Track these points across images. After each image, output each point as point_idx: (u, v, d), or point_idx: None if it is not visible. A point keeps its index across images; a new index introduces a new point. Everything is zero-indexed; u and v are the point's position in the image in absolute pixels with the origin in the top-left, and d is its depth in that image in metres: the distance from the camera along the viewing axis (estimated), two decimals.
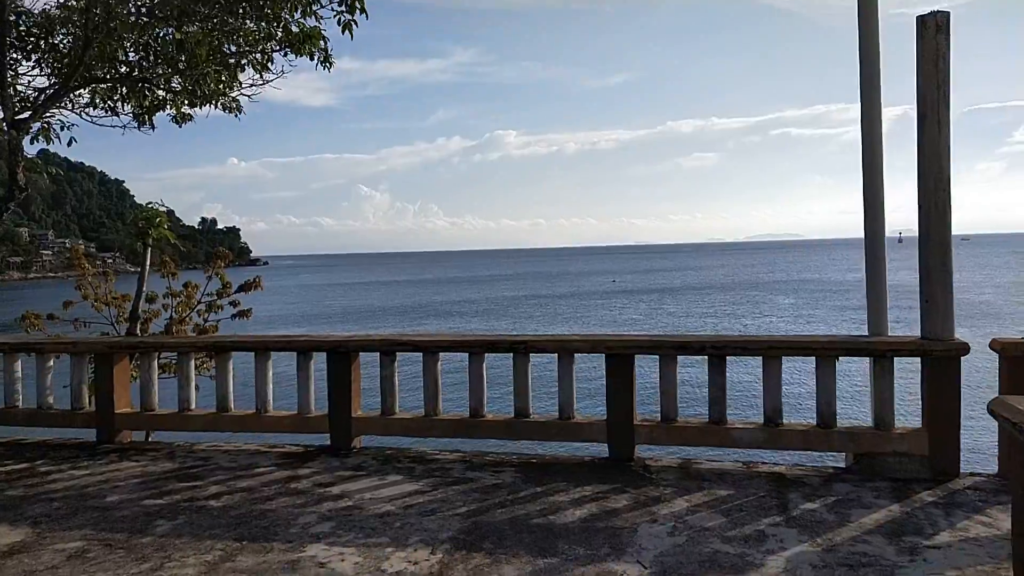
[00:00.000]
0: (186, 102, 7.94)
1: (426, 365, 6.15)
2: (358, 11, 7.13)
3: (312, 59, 7.44)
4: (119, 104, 7.95)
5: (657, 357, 5.71)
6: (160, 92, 7.89)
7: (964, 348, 5.08)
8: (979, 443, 12.97)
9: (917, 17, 5.15)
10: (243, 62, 7.68)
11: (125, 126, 8.08)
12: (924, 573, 3.62)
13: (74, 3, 7.25)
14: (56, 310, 9.74)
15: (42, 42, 7.33)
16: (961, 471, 5.10)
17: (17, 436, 6.97)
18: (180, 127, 8.30)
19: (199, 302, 9.84)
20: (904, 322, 26.10)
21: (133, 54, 7.54)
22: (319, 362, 6.37)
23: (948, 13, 5.08)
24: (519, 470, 5.45)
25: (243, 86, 7.97)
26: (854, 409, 17.69)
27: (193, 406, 6.66)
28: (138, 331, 8.59)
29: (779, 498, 4.72)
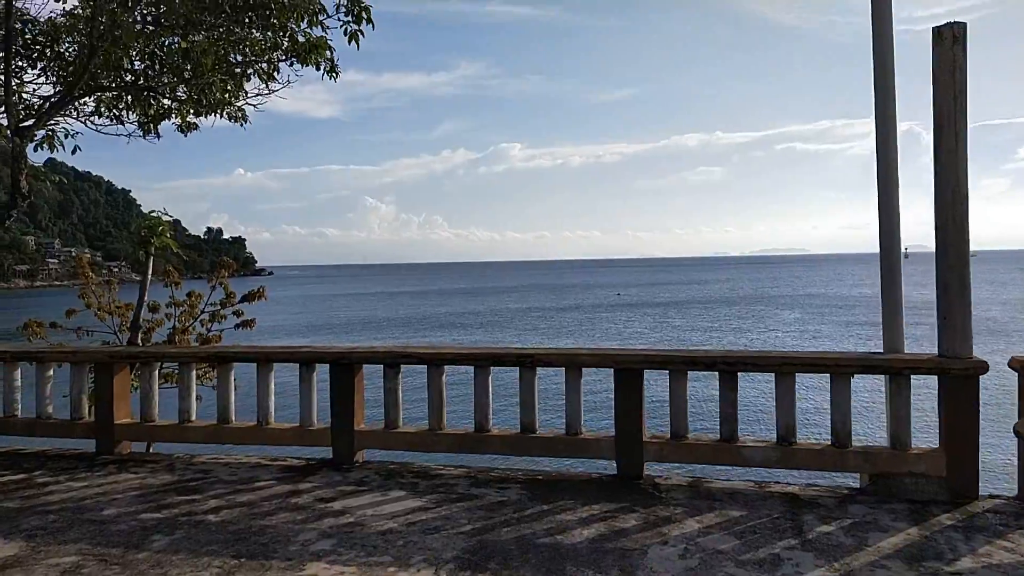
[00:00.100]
0: (191, 111, 7.91)
1: (430, 378, 6.04)
2: (364, 22, 7.10)
3: (318, 69, 7.41)
4: (124, 113, 7.92)
5: (667, 372, 5.59)
6: (165, 101, 7.87)
7: (983, 367, 4.94)
8: (991, 462, 12.77)
9: (933, 28, 5.06)
10: (249, 71, 7.66)
11: (130, 135, 8.05)
12: None
13: (80, 11, 7.23)
14: (59, 319, 9.71)
15: (47, 50, 7.31)
16: (980, 493, 4.95)
17: (16, 446, 6.88)
18: (186, 136, 8.26)
19: (202, 312, 9.82)
20: (912, 338, 25.87)
21: (138, 63, 7.49)
22: (322, 374, 6.26)
23: (965, 24, 5.00)
24: (525, 487, 5.33)
25: (249, 96, 7.95)
26: (863, 426, 17.48)
27: (194, 417, 6.57)
28: (139, 340, 8.52)
29: (793, 520, 4.58)
